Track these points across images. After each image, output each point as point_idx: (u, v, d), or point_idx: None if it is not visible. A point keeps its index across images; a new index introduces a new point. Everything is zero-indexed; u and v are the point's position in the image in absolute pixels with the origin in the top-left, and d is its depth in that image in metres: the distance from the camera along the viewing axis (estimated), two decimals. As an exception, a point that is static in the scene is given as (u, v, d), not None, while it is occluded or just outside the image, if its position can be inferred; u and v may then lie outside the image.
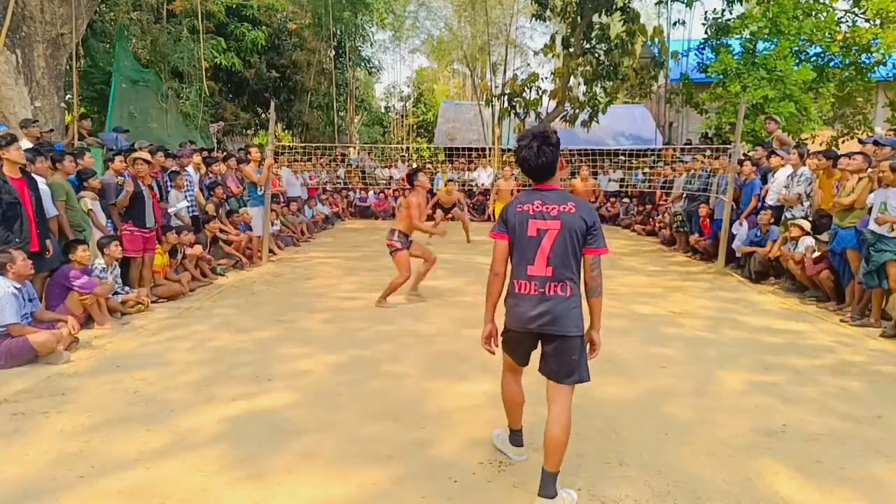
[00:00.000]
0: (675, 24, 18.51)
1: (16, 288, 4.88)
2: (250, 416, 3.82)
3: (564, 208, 2.89)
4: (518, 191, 13.45)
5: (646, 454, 3.34)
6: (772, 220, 8.34)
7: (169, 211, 8.01)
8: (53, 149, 7.16)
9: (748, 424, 3.76)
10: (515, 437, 3.31)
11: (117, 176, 7.39)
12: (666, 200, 12.94)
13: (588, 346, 3.03)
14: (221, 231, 9.20)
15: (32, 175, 5.83)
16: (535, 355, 3.00)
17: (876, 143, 6.98)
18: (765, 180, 9.06)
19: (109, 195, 7.16)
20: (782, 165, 8.60)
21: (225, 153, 12.36)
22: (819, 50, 13.90)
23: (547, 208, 2.89)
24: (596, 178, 15.61)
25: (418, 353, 5.16)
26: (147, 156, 7.39)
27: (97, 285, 5.79)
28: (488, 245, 9.91)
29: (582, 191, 12.32)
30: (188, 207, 8.69)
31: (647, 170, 15.21)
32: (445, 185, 13.69)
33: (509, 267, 2.99)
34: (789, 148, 9.01)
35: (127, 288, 6.69)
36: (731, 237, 9.23)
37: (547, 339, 2.92)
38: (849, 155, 6.91)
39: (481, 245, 11.58)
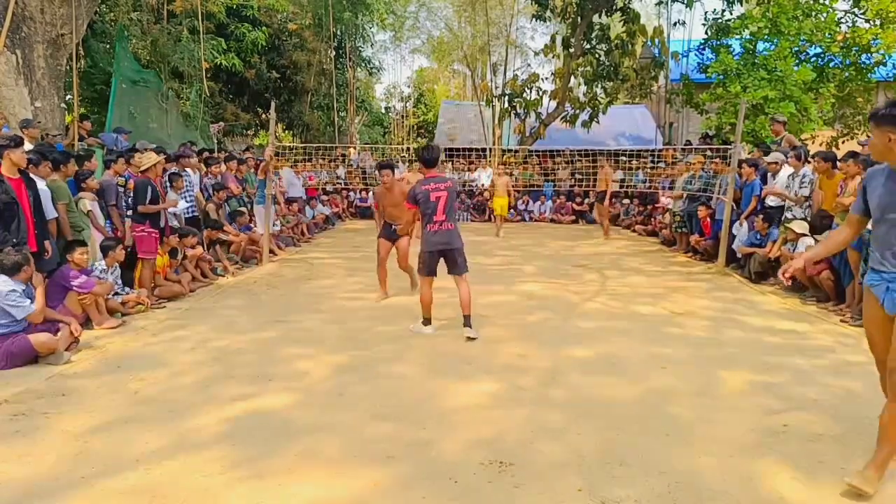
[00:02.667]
0: (675, 24, 18.54)
1: (21, 289, 4.91)
2: (251, 417, 3.82)
3: (445, 185, 5.50)
4: (512, 186, 14.31)
5: (646, 454, 3.34)
6: (766, 224, 8.33)
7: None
8: (55, 150, 7.17)
9: (749, 424, 3.76)
10: (427, 322, 5.71)
11: (117, 177, 7.39)
12: (667, 195, 12.87)
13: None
14: (222, 232, 9.20)
15: (31, 176, 5.84)
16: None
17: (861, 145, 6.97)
18: (765, 180, 9.05)
19: (109, 196, 7.16)
20: (777, 167, 8.62)
21: (226, 154, 12.37)
22: (819, 50, 13.90)
23: (438, 186, 5.46)
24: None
25: (419, 353, 5.16)
26: (161, 158, 7.39)
27: (95, 285, 5.80)
28: (488, 245, 9.93)
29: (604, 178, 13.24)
30: (188, 208, 8.69)
31: (647, 170, 15.21)
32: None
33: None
34: (788, 151, 8.98)
35: (127, 288, 6.70)
36: (732, 238, 9.23)
37: (447, 253, 5.53)
38: (845, 160, 6.91)
39: (482, 245, 11.58)
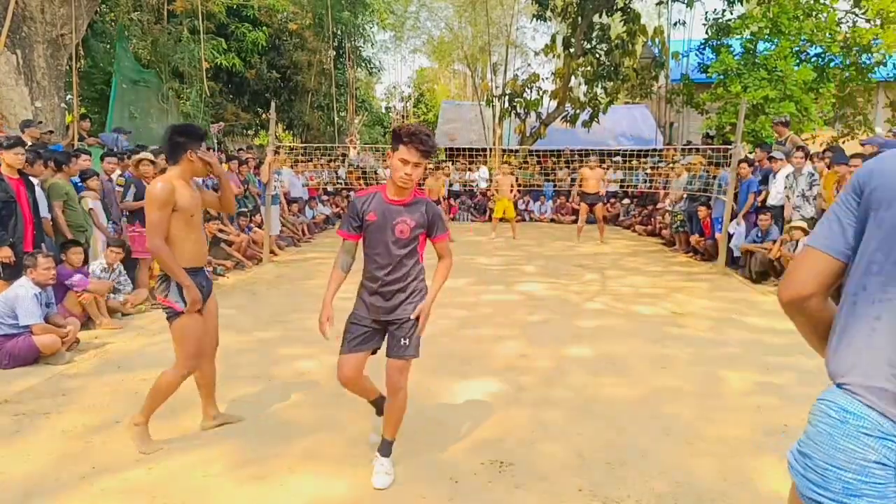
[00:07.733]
0: (675, 24, 18.51)
1: (37, 292, 4.92)
2: (252, 417, 3.82)
3: None
4: (514, 187, 12.82)
5: (647, 454, 3.34)
6: (771, 222, 8.33)
7: None
8: (50, 150, 7.17)
9: (750, 424, 3.76)
10: None
11: (107, 176, 7.41)
12: (667, 194, 12.83)
13: None
14: (221, 231, 9.20)
15: (30, 177, 5.84)
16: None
17: (862, 145, 7.02)
18: (766, 181, 9.04)
19: (107, 195, 7.16)
20: (783, 166, 8.61)
21: (227, 154, 12.36)
22: (819, 50, 13.89)
23: None
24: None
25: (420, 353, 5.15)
26: (151, 157, 7.39)
27: (89, 283, 5.80)
28: (488, 245, 9.95)
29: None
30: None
31: (648, 170, 15.21)
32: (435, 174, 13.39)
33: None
34: (792, 150, 8.96)
35: (129, 288, 6.69)
36: (730, 238, 9.21)
37: None
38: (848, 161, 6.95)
39: (482, 245, 11.57)
